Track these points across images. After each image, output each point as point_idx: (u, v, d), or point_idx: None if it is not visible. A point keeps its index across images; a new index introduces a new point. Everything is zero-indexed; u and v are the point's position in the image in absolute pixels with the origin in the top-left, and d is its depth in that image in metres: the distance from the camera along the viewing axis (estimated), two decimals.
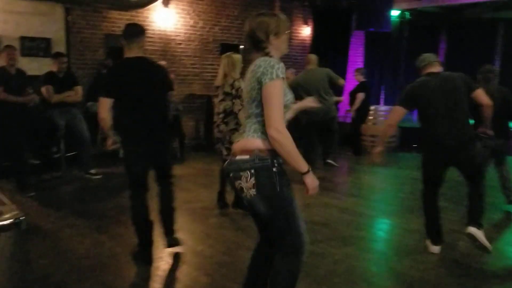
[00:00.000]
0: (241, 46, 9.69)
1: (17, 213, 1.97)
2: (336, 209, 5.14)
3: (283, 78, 2.25)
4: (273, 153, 2.27)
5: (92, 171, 6.26)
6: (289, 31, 2.46)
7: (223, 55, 4.79)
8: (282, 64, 2.30)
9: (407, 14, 12.55)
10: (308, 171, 2.28)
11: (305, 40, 10.86)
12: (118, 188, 5.87)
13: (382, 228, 4.79)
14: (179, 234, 3.84)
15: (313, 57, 7.10)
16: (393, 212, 5.22)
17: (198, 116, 9.19)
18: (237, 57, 4.72)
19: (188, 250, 3.84)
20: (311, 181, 2.30)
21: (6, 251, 1.95)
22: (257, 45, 2.41)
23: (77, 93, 6.26)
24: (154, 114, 3.49)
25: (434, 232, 3.92)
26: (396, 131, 9.44)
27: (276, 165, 2.27)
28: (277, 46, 2.40)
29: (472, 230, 3.70)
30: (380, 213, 5.20)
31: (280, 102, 2.23)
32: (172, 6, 8.63)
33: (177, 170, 6.13)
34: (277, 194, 2.25)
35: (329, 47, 10.76)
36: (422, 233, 4.02)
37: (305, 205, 4.97)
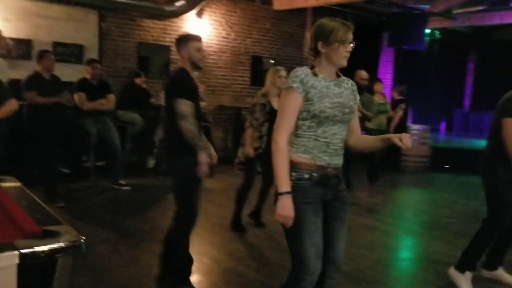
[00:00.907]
0: (271, 60, 9.54)
1: (76, 234, 1.75)
2: (379, 232, 4.87)
3: (295, 87, 2.16)
4: (293, 164, 2.20)
5: (122, 181, 6.06)
6: (348, 41, 2.19)
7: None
8: (304, 71, 2.19)
9: (437, 33, 12.33)
10: (283, 193, 2.12)
11: None
12: (148, 200, 5.68)
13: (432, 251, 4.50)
14: (218, 253, 3.60)
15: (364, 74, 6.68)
16: (440, 236, 4.91)
17: (227, 128, 9.01)
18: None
19: (231, 273, 3.60)
20: (281, 205, 2.12)
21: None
22: (311, 49, 2.26)
23: (110, 101, 6.11)
24: None
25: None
26: (429, 150, 9.15)
27: (293, 178, 2.18)
28: (328, 55, 2.19)
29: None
30: (425, 237, 4.91)
31: (285, 112, 2.20)
32: (205, 17, 8.51)
33: (208, 183, 5.98)
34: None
35: (359, 63, 10.55)
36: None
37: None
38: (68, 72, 6.68)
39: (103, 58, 7.41)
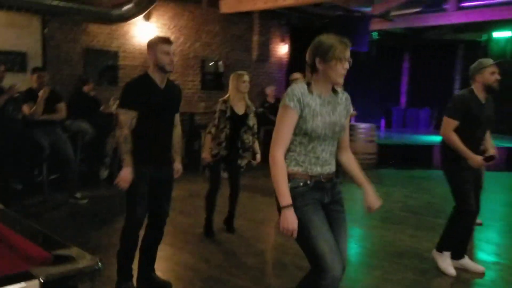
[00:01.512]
0: (220, 63, 9.53)
1: (92, 258, 1.65)
2: None
3: (292, 106, 2.21)
4: (288, 176, 2.25)
5: (78, 195, 5.78)
6: (346, 59, 2.24)
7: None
8: (300, 89, 2.23)
9: (375, 35, 12.83)
10: (285, 207, 2.17)
11: (282, 58, 10.81)
12: (108, 213, 5.45)
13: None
14: (196, 262, 3.54)
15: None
16: (401, 229, 5.12)
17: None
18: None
19: (214, 281, 3.56)
20: (284, 219, 2.17)
21: None
22: (309, 66, 2.30)
23: (61, 111, 5.81)
24: None
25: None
26: (376, 148, 9.52)
27: (290, 186, 2.24)
28: (325, 72, 2.24)
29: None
30: (388, 230, 5.10)
31: (282, 129, 2.24)
32: (153, 20, 8.32)
33: None
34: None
35: (305, 66, 10.76)
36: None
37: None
38: (11, 82, 6.26)
39: (47, 66, 7.03)
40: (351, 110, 2.49)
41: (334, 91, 2.35)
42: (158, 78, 3.11)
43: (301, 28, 10.69)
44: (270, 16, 10.10)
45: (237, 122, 4.48)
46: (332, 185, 2.37)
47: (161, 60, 3.05)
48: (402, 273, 3.86)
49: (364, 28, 9.62)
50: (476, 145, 3.78)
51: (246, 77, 4.53)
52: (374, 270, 3.93)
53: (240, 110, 4.51)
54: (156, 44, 3.09)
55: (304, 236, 2.21)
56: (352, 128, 9.63)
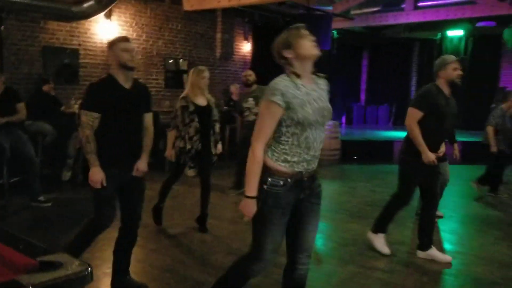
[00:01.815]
0: (181, 60, 9.44)
1: (81, 263, 1.60)
2: None
3: (276, 100, 2.24)
4: (271, 171, 2.33)
5: (41, 198, 5.58)
6: (305, 36, 2.33)
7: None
8: (283, 82, 2.28)
9: (335, 33, 13.05)
10: (248, 197, 2.33)
11: (246, 55, 10.83)
12: (74, 215, 5.27)
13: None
14: (171, 262, 3.50)
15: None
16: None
17: None
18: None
19: (192, 283, 3.53)
20: (244, 205, 2.35)
21: None
22: (280, 65, 2.39)
23: (21, 111, 5.59)
24: None
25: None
26: (339, 144, 9.71)
27: (269, 183, 2.32)
28: (298, 55, 2.32)
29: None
30: (359, 224, 5.22)
31: (263, 124, 2.29)
32: (114, 17, 8.14)
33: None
34: (260, 205, 2.34)
35: (268, 63, 10.82)
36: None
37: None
38: None
39: (4, 65, 6.75)
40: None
41: (314, 76, 2.43)
42: (122, 78, 3.08)
43: (263, 26, 10.74)
44: (233, 14, 10.09)
45: (203, 114, 4.49)
46: (311, 181, 2.44)
47: (122, 58, 3.04)
48: (374, 264, 3.97)
49: (327, 26, 9.77)
50: (440, 139, 3.96)
51: (207, 73, 4.54)
52: (348, 264, 4.01)
53: (202, 102, 4.51)
54: (114, 43, 3.10)
55: (260, 228, 2.40)
56: None
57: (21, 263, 1.63)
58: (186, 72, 9.38)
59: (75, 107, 7.11)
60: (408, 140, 3.97)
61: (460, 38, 12.76)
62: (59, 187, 6.61)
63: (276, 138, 2.36)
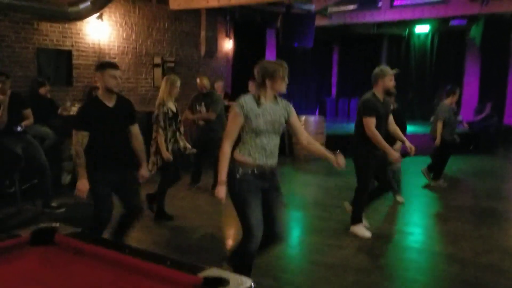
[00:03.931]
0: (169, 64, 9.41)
1: (246, 280, 1.74)
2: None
3: (238, 111, 2.99)
4: (241, 163, 3.05)
5: (53, 204, 5.55)
6: (284, 78, 3.06)
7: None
8: (246, 98, 3.03)
9: None
10: (220, 182, 3.02)
11: (228, 53, 10.92)
12: (77, 220, 5.25)
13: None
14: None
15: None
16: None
17: None
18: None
19: None
20: (217, 190, 3.03)
21: None
22: (258, 83, 3.09)
23: (29, 118, 5.52)
24: None
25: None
26: (324, 138, 10.02)
27: (240, 172, 3.04)
28: (273, 87, 3.06)
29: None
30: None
31: (230, 128, 3.05)
32: (105, 18, 8.03)
33: None
34: (233, 192, 3.06)
35: (248, 59, 10.97)
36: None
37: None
38: None
39: None
40: (293, 110, 3.21)
41: (276, 98, 3.14)
42: (106, 98, 3.58)
43: (244, 23, 10.85)
44: (215, 12, 10.15)
45: (175, 119, 5.11)
46: (272, 175, 3.16)
47: (108, 83, 3.52)
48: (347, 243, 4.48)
49: (309, 25, 10.01)
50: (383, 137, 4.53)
51: (179, 83, 5.09)
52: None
53: (174, 108, 5.10)
54: (104, 68, 3.54)
55: (242, 211, 3.07)
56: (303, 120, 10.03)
57: (186, 280, 1.77)
58: (173, 70, 9.38)
59: (73, 110, 7.02)
60: (359, 138, 4.55)
61: (427, 35, 13.38)
62: (58, 191, 6.51)
63: (242, 140, 3.09)
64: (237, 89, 10.04)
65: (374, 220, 5.25)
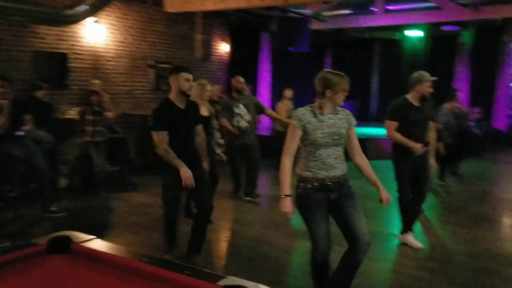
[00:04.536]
0: (165, 65, 9.43)
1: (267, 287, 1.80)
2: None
3: (295, 124, 2.94)
4: (301, 178, 3.02)
5: (53, 208, 5.53)
6: (347, 89, 2.98)
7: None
8: (303, 111, 2.97)
9: None
10: (283, 196, 2.95)
11: (223, 56, 10.96)
12: (95, 225, 5.27)
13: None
14: None
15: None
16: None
17: (129, 137, 8.65)
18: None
19: None
20: (282, 204, 2.95)
21: None
22: (317, 93, 3.01)
23: (30, 123, 5.50)
24: None
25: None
26: None
27: (301, 187, 3.01)
28: (333, 99, 2.96)
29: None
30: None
31: (289, 141, 2.99)
32: (101, 20, 8.02)
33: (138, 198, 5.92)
34: (297, 207, 3.03)
35: (244, 63, 11.04)
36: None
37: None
38: None
39: None
40: (354, 122, 3.11)
41: (335, 110, 3.05)
42: (178, 101, 3.72)
43: (240, 27, 10.90)
44: (211, 15, 10.18)
45: (204, 123, 4.90)
46: (339, 185, 3.03)
47: (183, 86, 3.64)
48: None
49: (305, 29, 10.09)
50: (416, 141, 4.44)
51: (209, 87, 5.10)
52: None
53: (205, 112, 4.97)
54: (179, 72, 3.66)
55: (307, 225, 3.07)
56: None
57: None
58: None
59: (72, 114, 7.00)
60: (392, 144, 4.56)
61: (419, 39, 13.53)
62: (56, 195, 6.50)
63: (302, 154, 3.04)
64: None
65: (371, 225, 5.27)
